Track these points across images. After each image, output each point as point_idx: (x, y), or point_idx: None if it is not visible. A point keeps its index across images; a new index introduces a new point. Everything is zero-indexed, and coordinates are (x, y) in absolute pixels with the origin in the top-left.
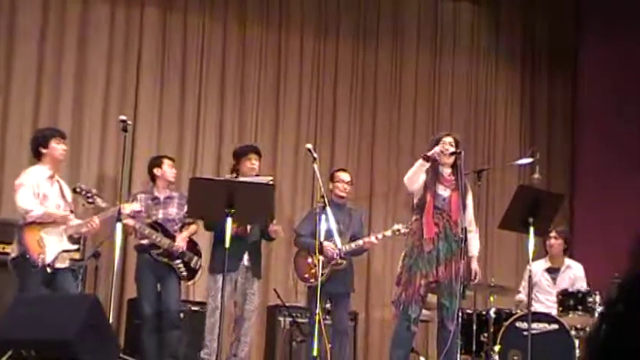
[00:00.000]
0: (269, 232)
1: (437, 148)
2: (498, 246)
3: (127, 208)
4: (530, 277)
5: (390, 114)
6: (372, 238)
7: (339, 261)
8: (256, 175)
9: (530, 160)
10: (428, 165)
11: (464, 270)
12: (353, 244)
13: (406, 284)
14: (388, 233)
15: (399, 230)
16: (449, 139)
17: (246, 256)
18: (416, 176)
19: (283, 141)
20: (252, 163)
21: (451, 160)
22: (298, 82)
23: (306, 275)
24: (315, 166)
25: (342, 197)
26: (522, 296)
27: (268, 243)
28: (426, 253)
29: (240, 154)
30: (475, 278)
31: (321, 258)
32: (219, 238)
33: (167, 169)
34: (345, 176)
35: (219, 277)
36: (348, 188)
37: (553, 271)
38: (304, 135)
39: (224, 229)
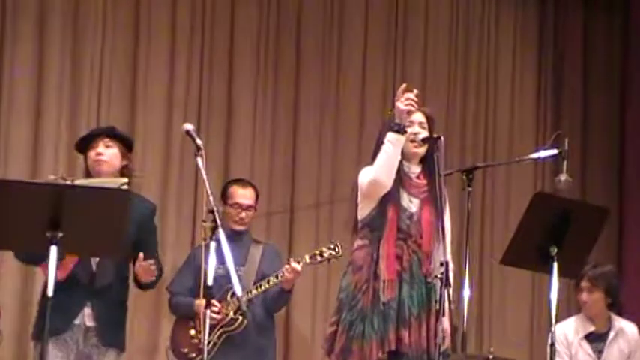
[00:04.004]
0: (135, 269)
1: (401, 105)
2: (501, 293)
3: None
4: (552, 344)
5: (322, 79)
6: (294, 264)
7: (234, 316)
8: (98, 170)
9: (553, 152)
10: (404, 140)
11: (443, 334)
12: (261, 286)
13: (345, 354)
14: (306, 259)
15: (321, 254)
16: (418, 117)
17: (87, 310)
18: (392, 162)
19: (145, 121)
20: (97, 152)
21: (422, 150)
22: (170, 22)
23: (185, 350)
24: (200, 160)
25: (239, 231)
26: None
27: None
28: (382, 304)
29: (83, 143)
30: (445, 343)
31: (210, 312)
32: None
33: None
34: (242, 195)
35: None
36: (247, 217)
37: (596, 339)
38: (180, 112)
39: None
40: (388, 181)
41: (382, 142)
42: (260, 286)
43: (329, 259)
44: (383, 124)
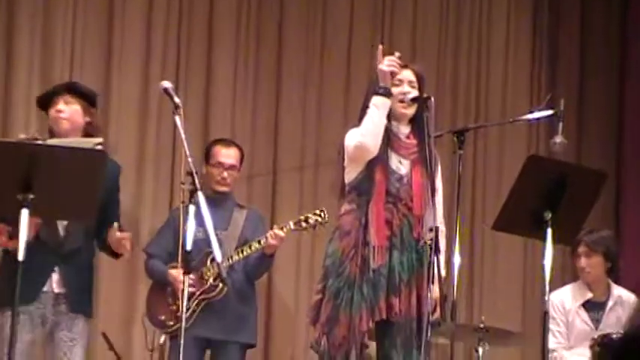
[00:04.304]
0: (108, 238)
1: (383, 67)
2: (492, 260)
3: None
4: (545, 313)
5: (306, 48)
6: (277, 230)
7: (213, 282)
8: (59, 129)
9: (548, 112)
10: (389, 103)
11: (433, 302)
12: (243, 251)
13: (331, 323)
14: (291, 225)
15: (306, 220)
16: (407, 75)
17: (55, 276)
18: (378, 127)
19: (120, 78)
20: (57, 109)
21: (411, 111)
22: None
23: (162, 317)
24: (178, 118)
25: (222, 192)
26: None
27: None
28: (371, 271)
29: (44, 100)
30: (434, 312)
31: (189, 278)
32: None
33: None
34: (225, 154)
35: (8, 315)
36: (230, 177)
37: (594, 307)
38: (157, 69)
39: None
40: (374, 147)
41: (368, 106)
42: (242, 251)
43: (314, 227)
44: (369, 84)
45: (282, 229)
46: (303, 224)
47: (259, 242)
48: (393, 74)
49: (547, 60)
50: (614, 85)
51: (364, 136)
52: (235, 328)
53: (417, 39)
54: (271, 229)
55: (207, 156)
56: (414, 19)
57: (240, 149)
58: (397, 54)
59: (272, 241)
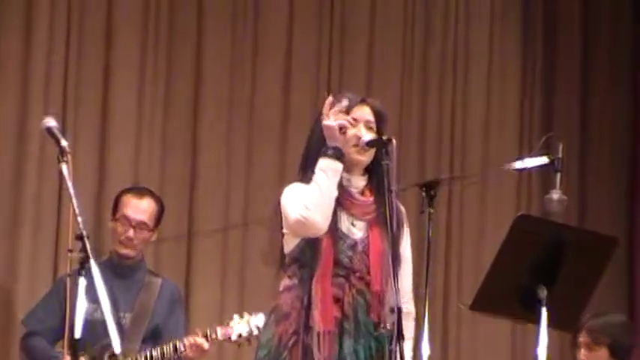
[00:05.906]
0: None
1: (330, 122)
2: (471, 349)
3: None
4: None
5: (232, 65)
6: (200, 339)
7: None
8: None
9: (542, 160)
10: (341, 167)
11: None
12: (151, 358)
13: None
14: (218, 334)
15: (238, 336)
16: (364, 114)
17: None
18: (327, 198)
19: None
20: None
21: (367, 157)
22: None
23: None
24: (65, 166)
25: (125, 256)
26: None
27: None
28: None
29: None
30: None
31: None
32: None
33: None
34: (134, 207)
35: None
36: (138, 238)
37: None
38: (38, 103)
39: None
40: (323, 222)
41: (315, 147)
42: (150, 357)
43: (249, 340)
44: (316, 120)
45: (205, 338)
46: (234, 337)
47: (175, 349)
48: (342, 128)
49: (541, 91)
50: (626, 124)
51: (309, 210)
52: None
53: (374, 64)
54: (193, 333)
55: (114, 207)
56: (371, 39)
57: (158, 202)
58: (345, 101)
59: (190, 354)
